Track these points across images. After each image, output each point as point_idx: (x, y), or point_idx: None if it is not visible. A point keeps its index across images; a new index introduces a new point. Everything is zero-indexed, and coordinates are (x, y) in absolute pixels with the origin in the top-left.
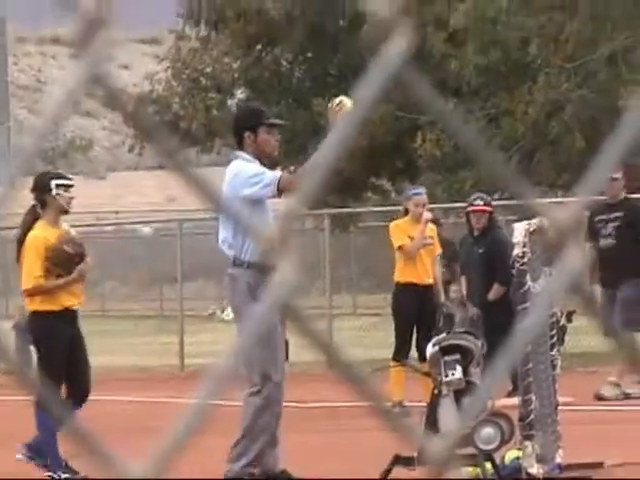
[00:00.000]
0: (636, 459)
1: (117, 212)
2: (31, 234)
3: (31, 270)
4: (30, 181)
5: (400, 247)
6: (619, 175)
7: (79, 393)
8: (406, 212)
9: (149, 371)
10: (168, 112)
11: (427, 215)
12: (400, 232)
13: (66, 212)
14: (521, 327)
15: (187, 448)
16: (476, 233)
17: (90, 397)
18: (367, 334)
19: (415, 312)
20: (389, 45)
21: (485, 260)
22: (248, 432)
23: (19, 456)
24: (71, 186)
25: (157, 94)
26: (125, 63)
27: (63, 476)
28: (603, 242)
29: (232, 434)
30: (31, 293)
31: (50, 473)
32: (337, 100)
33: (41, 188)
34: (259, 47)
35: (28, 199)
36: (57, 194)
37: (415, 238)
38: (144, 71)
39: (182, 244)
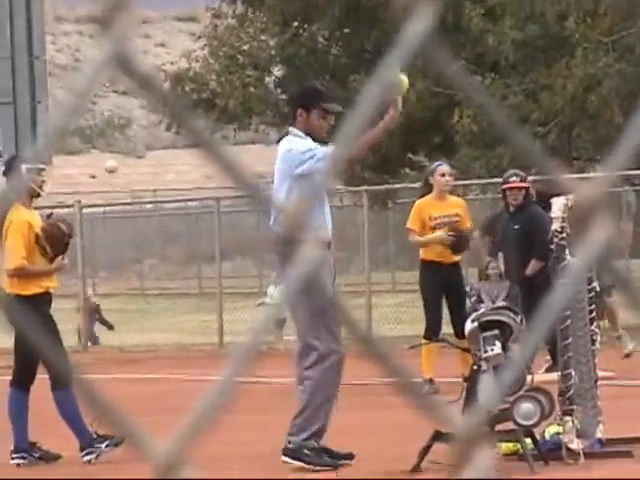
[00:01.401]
0: None
1: (155, 190)
2: (13, 217)
3: (16, 251)
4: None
5: (408, 230)
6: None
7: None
8: (425, 189)
9: (188, 349)
10: (205, 90)
11: (443, 238)
12: (417, 214)
13: (38, 195)
14: (551, 300)
15: (214, 426)
16: (512, 209)
17: (131, 375)
18: (405, 310)
19: (441, 289)
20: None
21: (522, 236)
22: (310, 405)
23: (16, 461)
24: (43, 169)
25: (194, 72)
26: (162, 41)
27: (104, 445)
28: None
29: (259, 411)
30: (14, 274)
31: (20, 455)
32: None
33: (11, 172)
34: (296, 24)
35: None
36: (30, 179)
37: (424, 238)
38: (181, 49)
39: (220, 222)
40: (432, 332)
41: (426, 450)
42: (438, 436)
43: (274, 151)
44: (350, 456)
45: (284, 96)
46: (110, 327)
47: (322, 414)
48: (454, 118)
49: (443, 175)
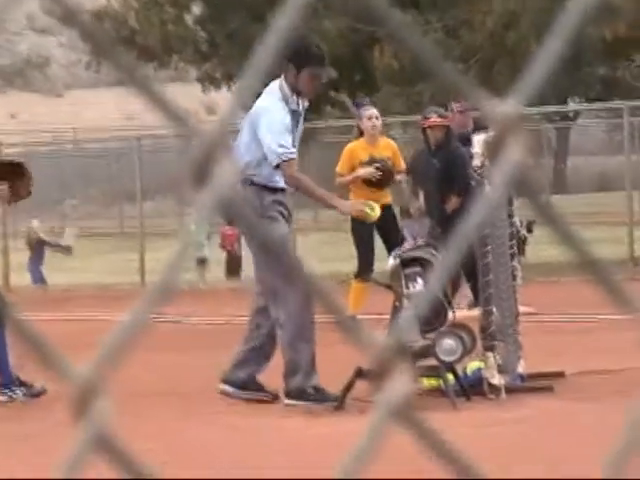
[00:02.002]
0: (596, 368)
1: (75, 129)
2: None
3: None
4: None
5: (338, 173)
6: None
7: None
8: (360, 134)
9: (110, 289)
10: (124, 28)
11: (367, 172)
12: (348, 157)
13: None
14: (464, 226)
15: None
16: (432, 146)
17: (53, 315)
18: (328, 249)
19: (372, 231)
20: None
21: (442, 173)
22: (290, 343)
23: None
24: None
25: (113, 10)
26: None
27: (19, 392)
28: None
29: (187, 350)
30: None
31: (6, 391)
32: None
33: None
34: None
35: None
36: None
37: (348, 177)
38: None
39: (141, 161)
40: (364, 272)
41: (349, 386)
42: (360, 373)
43: (194, 88)
44: (334, 398)
45: (203, 33)
46: (67, 250)
47: (304, 352)
48: (375, 55)
49: (370, 119)
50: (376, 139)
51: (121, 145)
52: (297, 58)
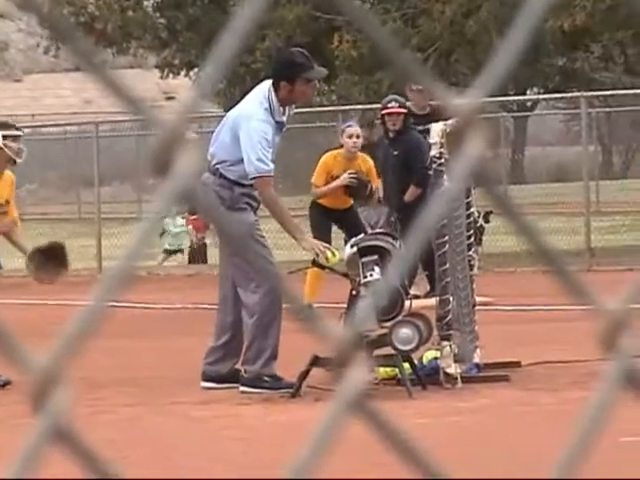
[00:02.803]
0: (552, 358)
1: (33, 115)
2: None
3: None
4: None
5: (314, 185)
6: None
7: None
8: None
9: (68, 274)
10: (83, 14)
11: (344, 178)
12: (323, 169)
13: (14, 162)
14: (422, 218)
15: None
16: (391, 135)
17: (8, 300)
18: (284, 236)
19: (331, 224)
20: None
21: (401, 162)
22: (257, 332)
23: None
24: (19, 136)
25: None
26: None
27: None
28: None
29: (144, 337)
30: None
31: None
32: None
33: None
34: None
35: None
36: (4, 144)
37: (325, 188)
38: None
39: (98, 147)
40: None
41: (305, 374)
42: (316, 360)
43: (153, 75)
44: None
45: (162, 20)
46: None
47: (272, 338)
48: (334, 43)
49: (350, 137)
50: (354, 156)
51: (79, 130)
52: (287, 73)
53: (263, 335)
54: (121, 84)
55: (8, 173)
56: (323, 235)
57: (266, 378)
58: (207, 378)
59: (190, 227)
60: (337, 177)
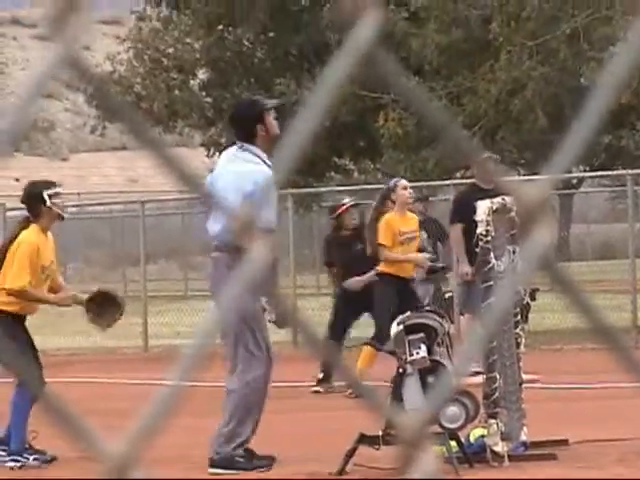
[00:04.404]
0: (599, 436)
1: (79, 194)
2: (25, 239)
3: (22, 272)
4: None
5: (382, 246)
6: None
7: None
8: (381, 204)
9: (113, 352)
10: (130, 93)
11: (424, 261)
12: (389, 229)
13: (62, 218)
14: (490, 306)
15: (163, 430)
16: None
17: (56, 379)
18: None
19: (397, 302)
20: (358, 24)
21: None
22: (236, 415)
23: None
24: (60, 193)
25: (119, 75)
26: (86, 44)
27: (32, 458)
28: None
29: (203, 414)
30: (13, 293)
31: (16, 457)
32: None
33: (34, 200)
34: (220, 27)
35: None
36: (52, 203)
37: (402, 257)
38: (105, 52)
39: (144, 225)
40: (380, 341)
41: (351, 453)
42: (363, 439)
43: (199, 154)
44: (272, 458)
45: (209, 99)
46: None
47: (249, 423)
48: (379, 121)
49: (405, 188)
50: (405, 211)
51: (124, 208)
52: (256, 113)
53: (240, 422)
54: (177, 159)
55: (50, 235)
56: (388, 311)
57: (238, 459)
58: (214, 463)
59: None
60: (402, 232)
